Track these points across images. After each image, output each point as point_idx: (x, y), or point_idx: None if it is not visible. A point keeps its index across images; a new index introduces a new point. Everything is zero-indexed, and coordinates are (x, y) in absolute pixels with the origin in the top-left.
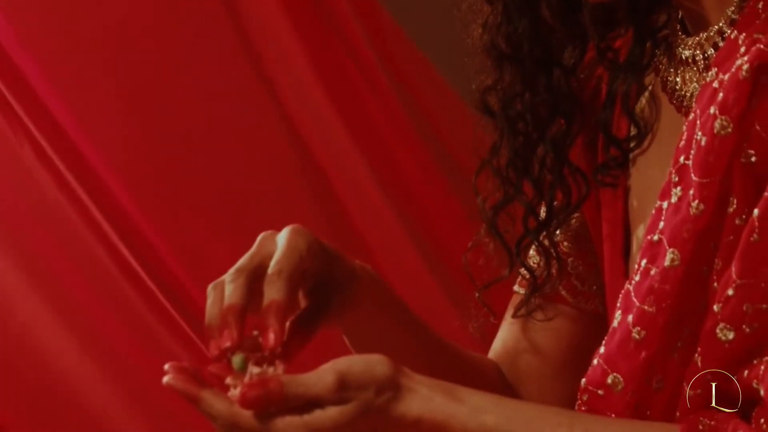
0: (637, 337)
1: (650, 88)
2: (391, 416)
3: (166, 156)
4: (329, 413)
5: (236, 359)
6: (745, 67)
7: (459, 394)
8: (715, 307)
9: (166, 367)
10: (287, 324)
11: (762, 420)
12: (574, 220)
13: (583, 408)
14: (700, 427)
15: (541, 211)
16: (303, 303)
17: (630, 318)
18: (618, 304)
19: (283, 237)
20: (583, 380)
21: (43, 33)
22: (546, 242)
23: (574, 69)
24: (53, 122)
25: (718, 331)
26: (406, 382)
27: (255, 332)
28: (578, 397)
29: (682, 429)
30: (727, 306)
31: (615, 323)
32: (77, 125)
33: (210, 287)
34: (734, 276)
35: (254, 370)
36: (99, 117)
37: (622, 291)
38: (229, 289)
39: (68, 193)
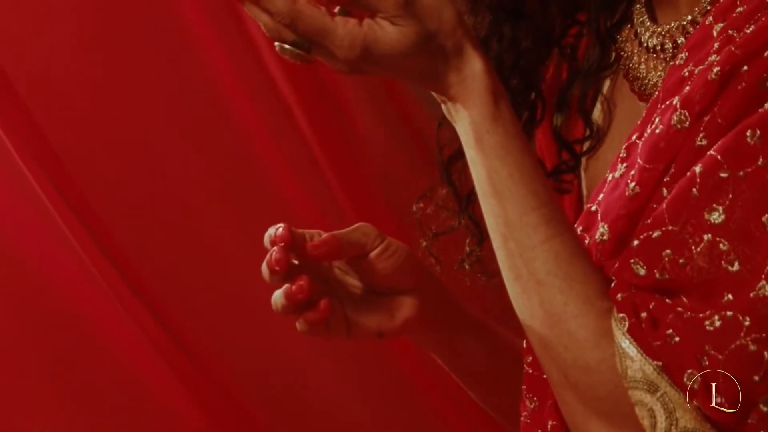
0: None
1: (611, 79)
2: (447, 63)
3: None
4: (389, 32)
5: None
6: (716, 69)
7: (501, 103)
8: (634, 242)
9: None
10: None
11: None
12: None
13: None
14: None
15: None
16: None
17: None
18: None
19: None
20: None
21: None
22: None
23: (542, 31)
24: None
25: (632, 263)
26: (469, 43)
27: None
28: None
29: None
30: (646, 244)
31: None
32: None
33: None
34: (667, 220)
35: None
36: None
37: None
38: None
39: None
